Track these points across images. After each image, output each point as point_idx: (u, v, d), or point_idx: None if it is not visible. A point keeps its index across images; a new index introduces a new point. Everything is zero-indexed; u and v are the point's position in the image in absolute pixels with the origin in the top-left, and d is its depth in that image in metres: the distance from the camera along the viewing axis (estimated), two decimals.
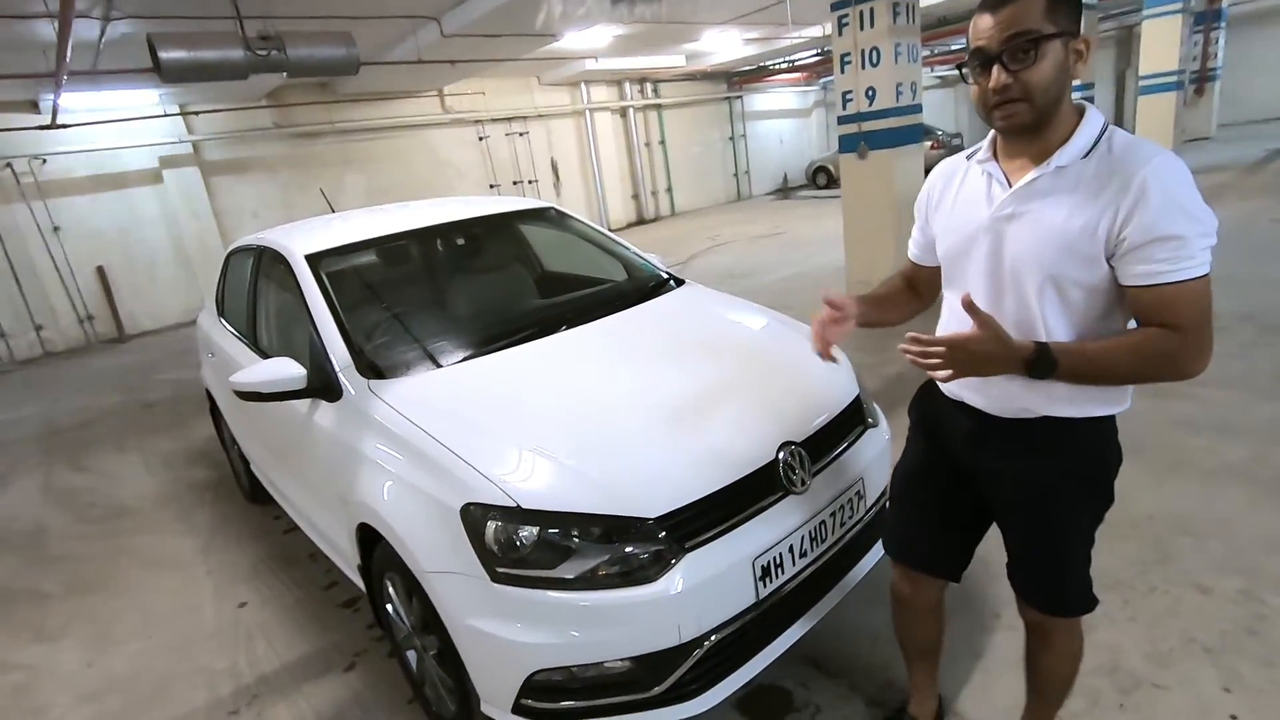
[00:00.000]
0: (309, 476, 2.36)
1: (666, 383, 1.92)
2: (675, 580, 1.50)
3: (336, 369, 2.06)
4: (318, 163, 11.47)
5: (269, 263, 2.76)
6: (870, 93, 5.40)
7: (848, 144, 5.69)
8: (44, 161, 9.16)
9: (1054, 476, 1.27)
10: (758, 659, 1.65)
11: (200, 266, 10.37)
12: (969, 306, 1.13)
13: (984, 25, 1.12)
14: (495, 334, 2.25)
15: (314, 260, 2.42)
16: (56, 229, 9.37)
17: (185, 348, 8.46)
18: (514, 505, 1.53)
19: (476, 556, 1.54)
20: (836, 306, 1.41)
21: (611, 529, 1.53)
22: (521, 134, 13.76)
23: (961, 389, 1.32)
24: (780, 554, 1.64)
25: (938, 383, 1.38)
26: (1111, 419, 1.27)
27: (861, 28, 5.28)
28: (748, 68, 16.27)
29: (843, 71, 5.53)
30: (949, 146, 14.79)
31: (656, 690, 1.53)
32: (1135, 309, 1.13)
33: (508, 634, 1.52)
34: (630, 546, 1.52)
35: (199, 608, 2.77)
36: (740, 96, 17.71)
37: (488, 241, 3.02)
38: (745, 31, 11.98)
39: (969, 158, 1.32)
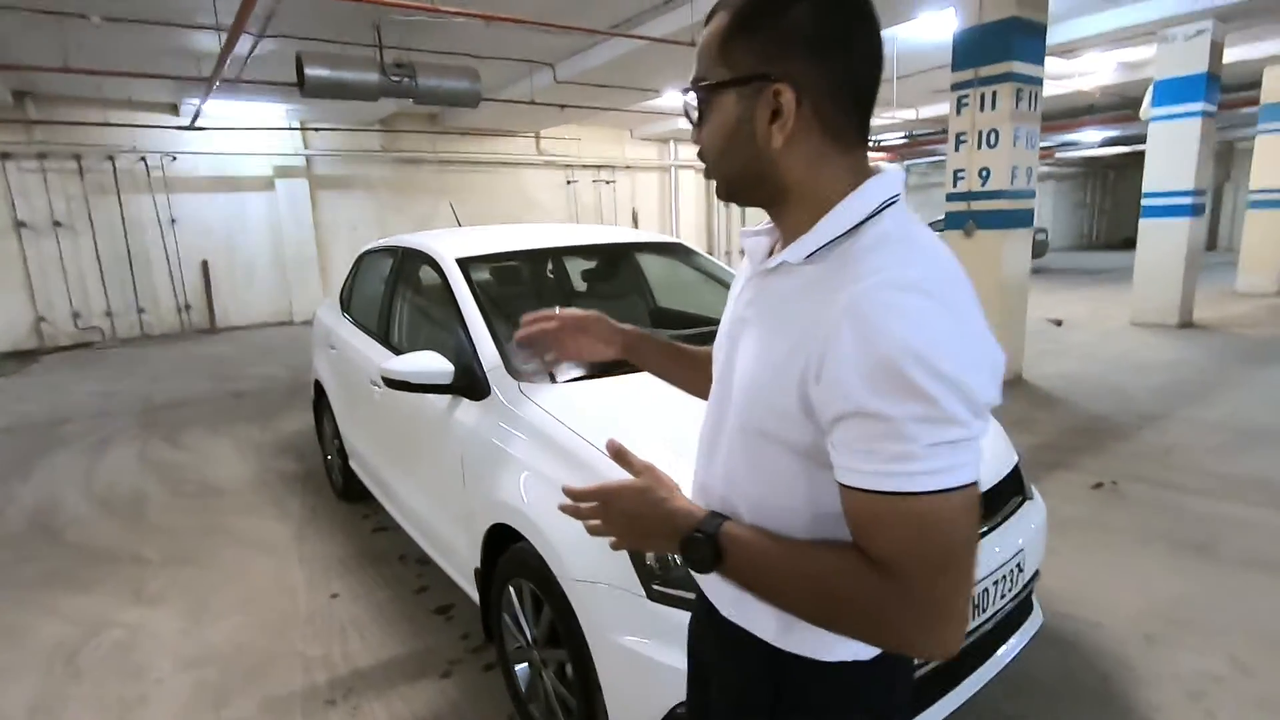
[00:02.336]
0: (430, 473, 2.37)
1: None
2: None
3: (485, 369, 2.09)
4: (416, 188, 12.02)
5: (411, 264, 2.86)
6: (984, 173, 5.37)
7: (954, 221, 5.65)
8: (174, 159, 9.86)
9: None
10: None
11: (295, 273, 10.90)
12: (614, 454, 0.86)
13: None
14: None
15: (464, 264, 2.48)
16: (174, 222, 10.01)
17: (272, 346, 8.82)
18: None
19: (634, 570, 1.50)
20: (559, 318, 1.13)
21: None
22: (609, 182, 14.19)
23: None
24: None
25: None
26: (868, 668, 0.79)
27: (981, 109, 5.30)
28: None
29: (957, 150, 5.53)
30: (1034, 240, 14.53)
31: None
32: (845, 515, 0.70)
33: (657, 656, 1.46)
34: None
35: (293, 593, 2.77)
36: None
37: (621, 267, 3.07)
38: None
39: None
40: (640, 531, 0.80)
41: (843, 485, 0.67)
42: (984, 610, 1.65)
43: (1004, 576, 1.71)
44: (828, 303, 0.66)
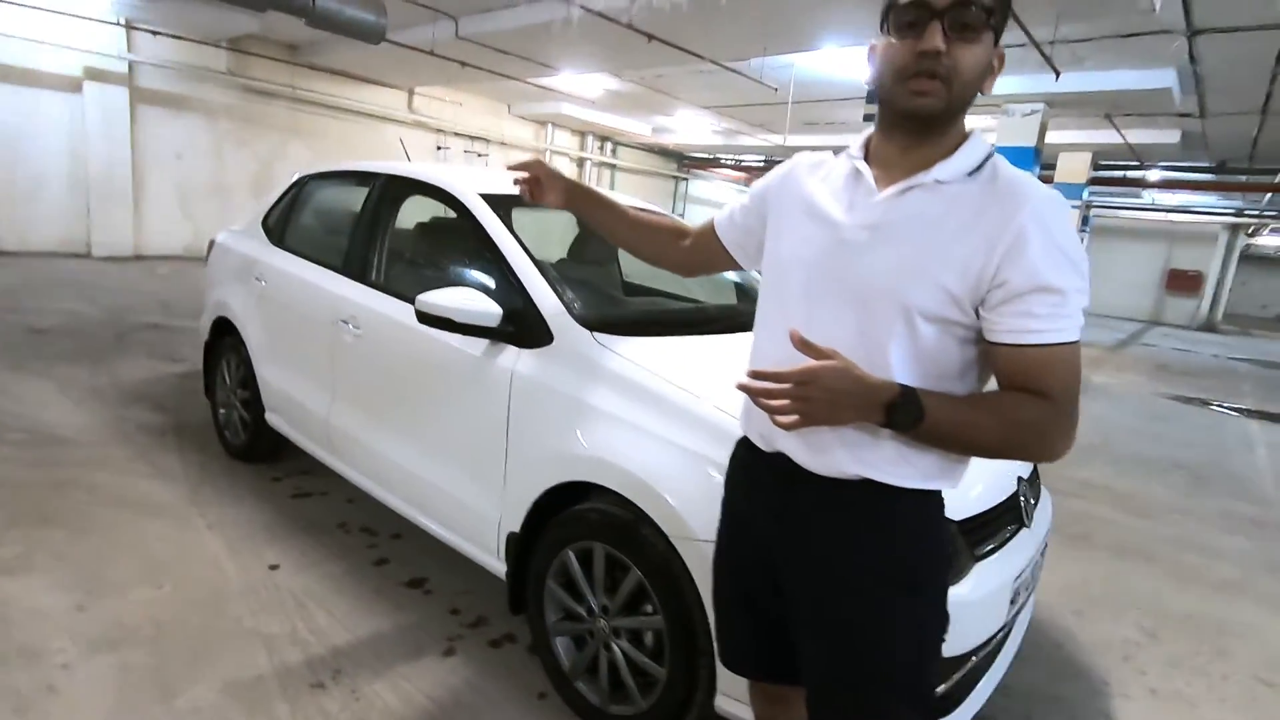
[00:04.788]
0: (446, 430, 2.09)
1: None
2: (969, 587, 1.48)
3: (545, 315, 1.89)
4: (263, 123, 10.60)
5: (400, 195, 2.51)
6: None
7: None
8: None
9: (861, 557, 1.02)
10: (979, 691, 1.64)
11: (99, 198, 9.10)
12: (801, 344, 0.91)
13: None
14: (694, 320, 2.18)
15: (490, 201, 2.23)
16: None
17: (67, 279, 7.34)
18: None
19: None
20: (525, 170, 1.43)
21: None
22: (481, 155, 13.54)
23: (782, 435, 1.05)
24: (1022, 582, 1.67)
25: (776, 429, 0.99)
26: (938, 498, 1.05)
27: None
28: (702, 155, 17.22)
29: None
30: None
31: None
32: (1000, 370, 0.96)
33: None
34: None
35: (215, 562, 2.31)
36: (687, 178, 18.61)
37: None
38: (718, 121, 12.75)
39: (836, 154, 1.12)
40: (843, 405, 0.91)
41: (1018, 345, 0.92)
42: (1034, 583, 1.80)
43: (1042, 554, 1.88)
44: (1005, 212, 0.91)
